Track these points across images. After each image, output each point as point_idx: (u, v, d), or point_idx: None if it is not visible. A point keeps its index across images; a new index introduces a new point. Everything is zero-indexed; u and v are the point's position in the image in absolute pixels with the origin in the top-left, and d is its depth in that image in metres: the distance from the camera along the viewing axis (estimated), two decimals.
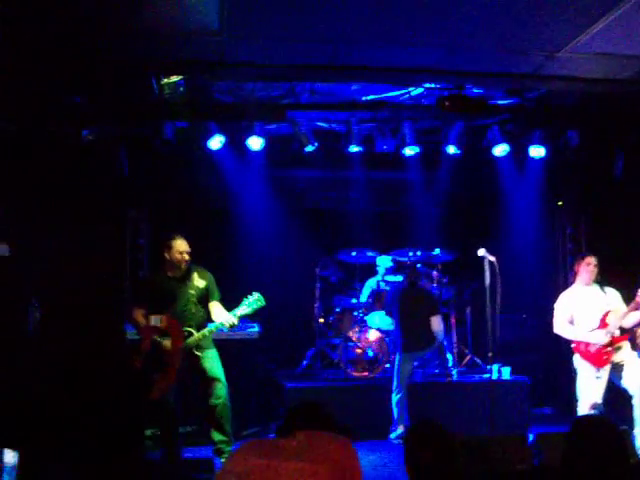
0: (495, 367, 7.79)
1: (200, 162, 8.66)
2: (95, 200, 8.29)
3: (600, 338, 6.61)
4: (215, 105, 7.71)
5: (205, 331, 6.34)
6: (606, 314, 6.70)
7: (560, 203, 10.39)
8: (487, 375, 7.96)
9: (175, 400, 6.46)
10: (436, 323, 8.01)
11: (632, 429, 6.42)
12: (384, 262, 9.45)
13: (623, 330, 6.71)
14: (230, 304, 6.50)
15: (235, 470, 2.63)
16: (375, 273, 9.61)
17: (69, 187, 7.37)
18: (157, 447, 6.80)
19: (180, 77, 7.03)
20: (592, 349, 6.64)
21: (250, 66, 6.29)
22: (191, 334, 6.31)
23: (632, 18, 4.95)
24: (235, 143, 8.28)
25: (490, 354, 7.07)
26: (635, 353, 6.75)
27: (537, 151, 8.73)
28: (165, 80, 7.04)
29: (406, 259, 9.23)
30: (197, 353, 6.34)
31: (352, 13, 5.06)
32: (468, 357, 9.28)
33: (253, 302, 6.34)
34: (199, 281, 6.50)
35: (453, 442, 3.01)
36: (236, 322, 6.31)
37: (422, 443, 2.98)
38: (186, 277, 6.48)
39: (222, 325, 6.29)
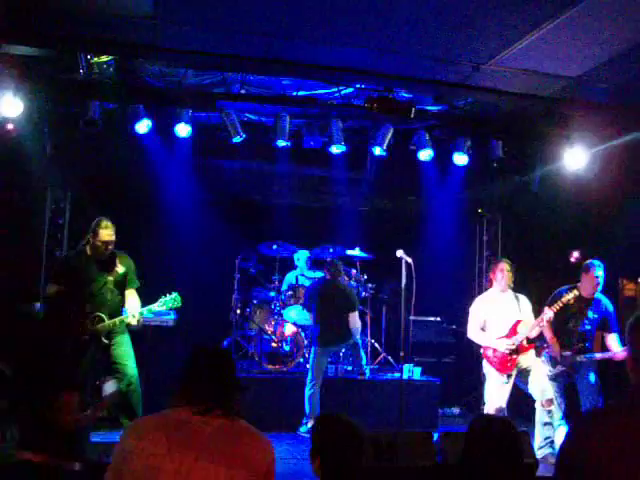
0: (406, 367, 7.94)
1: (125, 145, 8.52)
2: (15, 176, 8.10)
3: (505, 346, 6.81)
4: (144, 89, 7.61)
5: (116, 320, 6.28)
6: (517, 323, 6.89)
7: (480, 211, 10.67)
8: (398, 374, 8.12)
9: (84, 382, 6.38)
10: (354, 320, 8.10)
11: (532, 431, 6.67)
12: (303, 257, 9.52)
13: (530, 339, 6.92)
14: (147, 289, 6.47)
15: (138, 454, 2.46)
16: (295, 267, 9.68)
17: None
18: None
19: (110, 57, 6.92)
20: (498, 355, 6.85)
21: (183, 53, 6.25)
22: (102, 320, 6.25)
23: (553, 39, 5.15)
24: (162, 128, 8.18)
25: (402, 354, 7.22)
26: (539, 359, 6.99)
27: (460, 158, 8.87)
28: (95, 59, 6.92)
29: (326, 255, 9.32)
30: (106, 341, 6.28)
31: (288, 8, 5.09)
32: (382, 355, 9.44)
33: (169, 301, 6.32)
34: (119, 267, 6.45)
35: (360, 433, 3.08)
36: (141, 320, 6.31)
37: (330, 432, 3.06)
38: (107, 262, 6.41)
39: (125, 318, 6.28)
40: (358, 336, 8.36)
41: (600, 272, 7.09)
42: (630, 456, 2.09)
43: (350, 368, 8.96)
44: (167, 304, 6.32)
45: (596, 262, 7.13)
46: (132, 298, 6.44)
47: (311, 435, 3.13)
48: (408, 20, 5.02)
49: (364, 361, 8.82)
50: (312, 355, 7.98)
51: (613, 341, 7.08)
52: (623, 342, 6.90)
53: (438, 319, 10.07)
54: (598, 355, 7.02)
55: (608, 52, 5.37)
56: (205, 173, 9.62)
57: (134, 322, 6.26)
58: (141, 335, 6.99)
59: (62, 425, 4.21)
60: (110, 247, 6.33)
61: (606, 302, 7.21)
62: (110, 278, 6.39)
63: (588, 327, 7.15)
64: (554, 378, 7.04)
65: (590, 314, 7.13)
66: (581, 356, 6.99)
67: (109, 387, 5.25)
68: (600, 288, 7.12)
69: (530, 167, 9.26)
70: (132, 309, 6.31)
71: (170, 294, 6.36)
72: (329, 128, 8.56)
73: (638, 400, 2.26)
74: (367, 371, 8.68)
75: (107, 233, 6.29)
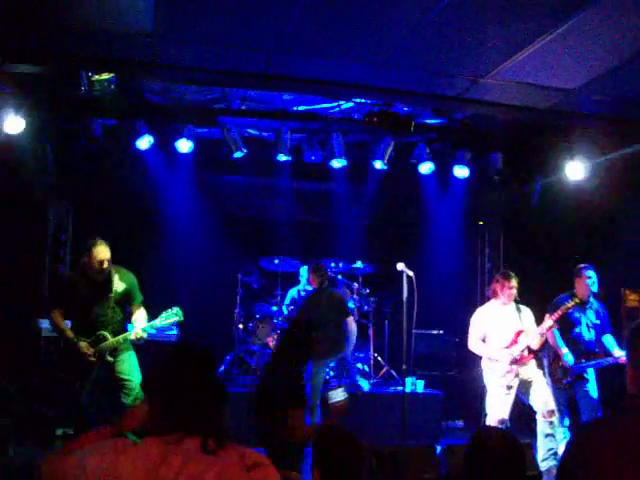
0: (409, 380, 7.91)
1: (127, 161, 8.57)
2: (17, 193, 8.14)
3: (506, 357, 6.81)
4: (145, 105, 7.65)
5: (120, 338, 6.27)
6: (519, 333, 6.89)
7: (481, 222, 10.69)
8: (401, 387, 8.09)
9: (89, 401, 6.38)
10: (351, 325, 8.01)
11: (535, 443, 6.65)
12: (307, 272, 9.50)
13: (531, 350, 6.91)
14: (149, 305, 6.48)
15: None
16: (298, 282, 9.67)
17: None
18: None
19: (111, 75, 6.97)
20: (498, 366, 6.84)
21: (182, 69, 6.27)
22: (105, 339, 6.24)
23: (550, 51, 5.16)
24: (164, 144, 8.23)
25: (404, 367, 7.20)
26: (541, 371, 6.98)
27: (461, 171, 8.90)
28: (96, 77, 6.97)
29: (328, 269, 9.30)
30: (110, 359, 6.28)
31: (285, 24, 5.11)
32: (385, 369, 9.42)
33: (171, 315, 6.29)
34: (119, 284, 6.40)
35: (360, 446, 3.09)
36: (144, 336, 6.29)
37: (331, 446, 3.07)
38: (106, 280, 6.37)
39: (129, 335, 6.27)
40: (354, 340, 8.15)
41: (592, 273, 7.17)
42: (630, 465, 2.10)
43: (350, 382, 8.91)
44: (169, 318, 6.31)
45: (586, 265, 7.21)
46: (139, 313, 6.43)
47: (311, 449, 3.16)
48: (407, 34, 5.04)
49: (358, 376, 8.69)
50: (308, 370, 7.92)
51: (609, 342, 7.12)
52: (620, 346, 7.00)
53: (440, 332, 10.05)
54: (609, 359, 7.03)
55: (606, 64, 5.39)
56: (207, 188, 9.67)
57: (138, 337, 6.25)
58: (144, 351, 6.99)
59: (296, 439, 4.39)
60: (105, 265, 6.29)
61: (601, 306, 7.30)
62: (111, 296, 6.35)
63: (592, 332, 7.19)
64: (565, 388, 7.05)
65: (593, 318, 7.17)
66: (591, 363, 7.01)
67: (337, 395, 4.99)
68: (595, 289, 7.18)
69: (531, 179, 9.29)
70: (139, 324, 6.30)
71: (171, 309, 6.36)
72: (330, 142, 8.61)
73: (636, 408, 2.27)
74: (365, 385, 8.56)
75: (101, 250, 6.25)
